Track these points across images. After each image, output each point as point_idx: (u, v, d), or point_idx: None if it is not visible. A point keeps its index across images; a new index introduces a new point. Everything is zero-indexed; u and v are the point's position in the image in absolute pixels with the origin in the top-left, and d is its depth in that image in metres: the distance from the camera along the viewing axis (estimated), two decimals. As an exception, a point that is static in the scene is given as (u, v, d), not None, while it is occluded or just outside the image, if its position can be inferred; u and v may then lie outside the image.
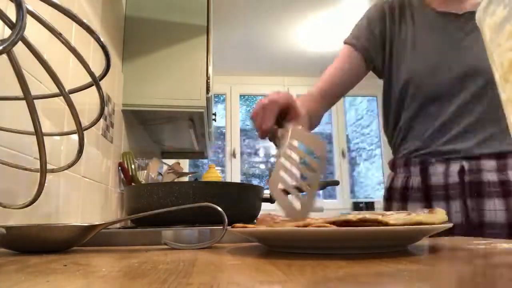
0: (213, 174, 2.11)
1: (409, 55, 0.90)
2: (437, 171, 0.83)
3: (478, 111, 0.80)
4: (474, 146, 0.80)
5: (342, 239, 0.40)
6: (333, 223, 0.39)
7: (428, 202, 0.84)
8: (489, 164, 0.79)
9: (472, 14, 0.80)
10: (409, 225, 0.40)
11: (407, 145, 0.90)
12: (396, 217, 0.40)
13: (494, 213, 0.77)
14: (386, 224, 0.38)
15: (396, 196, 0.89)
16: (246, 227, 0.46)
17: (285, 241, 0.44)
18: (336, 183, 0.90)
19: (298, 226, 0.42)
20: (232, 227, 0.48)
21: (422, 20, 0.90)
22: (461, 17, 0.85)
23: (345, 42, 0.97)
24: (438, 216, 0.45)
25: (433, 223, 0.42)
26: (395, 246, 0.44)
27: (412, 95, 0.88)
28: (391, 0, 0.96)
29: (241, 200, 0.82)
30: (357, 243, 0.41)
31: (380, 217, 0.38)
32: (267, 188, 0.87)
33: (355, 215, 0.41)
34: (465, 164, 0.81)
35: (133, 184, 1.41)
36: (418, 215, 0.43)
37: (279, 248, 0.47)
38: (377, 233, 0.38)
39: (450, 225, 0.46)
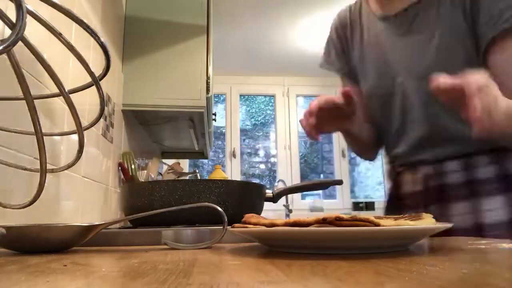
0: (219, 174, 2.12)
1: (359, 71, 0.90)
2: (406, 180, 0.84)
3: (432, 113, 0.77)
4: (440, 150, 0.78)
5: (343, 239, 0.40)
6: (324, 219, 0.39)
7: (400, 211, 0.83)
8: (453, 165, 0.77)
9: (406, 11, 0.79)
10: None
11: (387, 156, 0.92)
12: (384, 222, 0.40)
13: (462, 218, 0.74)
14: (378, 224, 0.38)
15: (390, 205, 0.90)
16: (246, 226, 0.46)
17: (285, 241, 0.44)
18: (340, 182, 0.89)
19: (288, 224, 0.42)
20: (232, 227, 0.48)
21: (367, 32, 0.89)
22: (395, 17, 0.82)
23: (320, 66, 0.98)
24: (426, 221, 0.45)
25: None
26: (394, 246, 0.44)
27: (374, 109, 0.89)
28: (343, 16, 0.94)
29: (243, 199, 0.82)
30: (358, 243, 0.41)
31: (371, 217, 0.39)
32: (269, 188, 0.88)
33: (346, 214, 0.42)
34: (430, 170, 0.79)
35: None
36: (405, 221, 0.43)
37: (279, 248, 0.47)
38: (378, 233, 0.38)
39: (450, 225, 0.46)
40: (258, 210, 0.86)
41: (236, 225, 0.48)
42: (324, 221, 0.39)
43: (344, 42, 0.93)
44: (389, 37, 0.83)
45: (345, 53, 0.94)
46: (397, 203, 0.86)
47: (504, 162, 0.73)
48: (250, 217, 0.50)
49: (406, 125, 0.83)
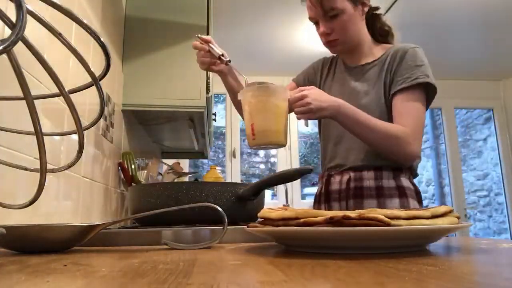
0: (214, 175, 2.11)
1: None
2: (335, 180, 1.17)
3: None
4: (359, 163, 1.11)
5: (360, 239, 0.40)
6: (332, 218, 0.39)
7: (329, 202, 1.16)
8: (368, 174, 1.09)
9: (362, 66, 1.16)
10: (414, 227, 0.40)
11: (323, 163, 1.25)
12: (395, 221, 0.40)
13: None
14: (389, 224, 0.38)
15: (322, 199, 1.19)
16: (258, 225, 0.47)
17: (303, 241, 0.44)
18: (309, 170, 0.84)
19: (298, 224, 0.42)
20: (248, 227, 0.48)
21: (336, 74, 1.24)
22: (355, 69, 1.18)
23: (292, 80, 1.35)
24: (448, 219, 0.44)
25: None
26: (411, 247, 0.44)
27: (325, 125, 1.24)
28: (329, 58, 1.31)
29: (242, 200, 0.82)
30: (375, 243, 0.41)
31: (380, 216, 0.38)
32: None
33: (353, 212, 0.42)
34: (352, 175, 1.11)
35: (133, 184, 1.41)
36: (420, 220, 0.42)
37: (294, 247, 0.47)
38: (395, 233, 0.38)
39: (469, 224, 0.47)
40: (233, 210, 0.81)
41: (252, 224, 0.49)
42: (331, 220, 0.39)
43: (318, 73, 1.30)
44: (347, 80, 1.19)
45: (309, 78, 1.31)
46: (325, 197, 1.18)
47: (399, 177, 1.08)
48: (268, 212, 0.49)
49: (341, 142, 1.16)
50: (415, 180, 1.16)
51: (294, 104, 0.95)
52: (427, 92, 1.06)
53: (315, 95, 0.96)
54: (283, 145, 0.91)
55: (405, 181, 1.09)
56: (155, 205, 0.78)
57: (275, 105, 0.88)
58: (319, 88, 1.20)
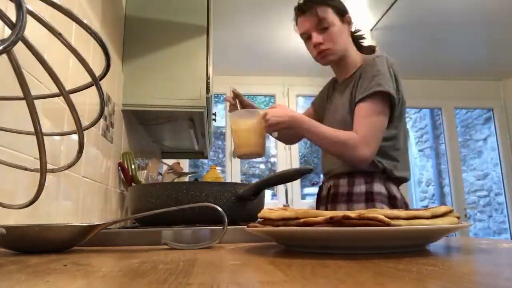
0: (214, 174, 2.10)
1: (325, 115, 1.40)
2: (324, 187, 1.33)
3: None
4: (336, 171, 1.25)
5: (361, 239, 0.40)
6: (332, 218, 0.39)
7: (319, 208, 1.32)
8: (343, 181, 1.22)
9: (344, 81, 1.29)
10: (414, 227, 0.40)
11: (322, 170, 1.39)
12: (395, 221, 0.40)
13: None
14: (389, 224, 0.38)
15: (316, 204, 1.36)
16: (258, 225, 0.47)
17: (303, 241, 0.44)
18: (309, 170, 0.86)
19: (298, 224, 0.42)
20: (248, 227, 0.48)
21: (333, 93, 1.38)
22: (341, 83, 1.32)
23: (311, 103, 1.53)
24: (448, 219, 0.44)
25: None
26: (411, 246, 0.44)
27: None
28: (327, 85, 1.46)
29: (241, 200, 0.82)
30: (376, 243, 0.41)
31: (380, 216, 0.38)
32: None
33: (353, 212, 0.42)
34: (332, 182, 1.26)
35: (133, 184, 1.41)
36: (420, 220, 0.42)
37: (294, 247, 0.47)
38: (396, 233, 0.38)
39: (469, 224, 0.47)
40: (232, 210, 0.81)
41: (252, 224, 0.49)
42: (331, 220, 0.39)
43: (325, 93, 1.44)
44: (334, 97, 1.35)
45: (321, 100, 1.45)
46: (317, 203, 1.35)
47: (372, 183, 1.18)
48: (268, 212, 0.49)
49: (327, 153, 1.29)
50: (410, 184, 1.28)
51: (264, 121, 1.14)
52: (389, 99, 1.14)
53: (274, 112, 1.14)
54: (258, 155, 1.17)
55: (377, 186, 1.18)
56: (155, 205, 0.78)
57: (245, 125, 1.14)
58: (327, 109, 1.38)
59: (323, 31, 1.23)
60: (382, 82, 1.13)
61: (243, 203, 0.82)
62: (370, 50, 1.33)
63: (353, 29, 1.31)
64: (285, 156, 3.94)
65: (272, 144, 4.13)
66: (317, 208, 1.33)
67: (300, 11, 1.30)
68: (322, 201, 1.31)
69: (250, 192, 0.81)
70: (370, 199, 1.16)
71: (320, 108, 1.43)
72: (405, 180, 1.23)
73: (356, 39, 1.33)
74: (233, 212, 0.74)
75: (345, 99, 1.24)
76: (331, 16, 1.23)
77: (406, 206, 1.21)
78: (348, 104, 1.21)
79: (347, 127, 1.16)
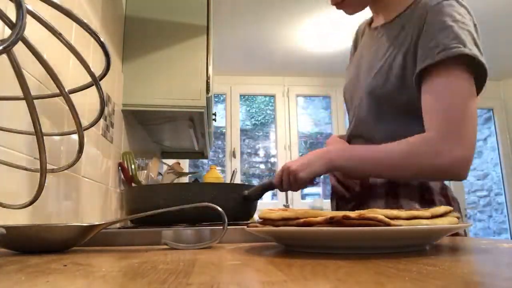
0: (214, 175, 2.11)
1: (346, 74, 1.03)
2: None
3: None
4: None
5: (360, 239, 0.40)
6: (332, 218, 0.39)
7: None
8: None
9: (381, 27, 0.90)
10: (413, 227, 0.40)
11: None
12: (395, 221, 0.40)
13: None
14: (389, 224, 0.38)
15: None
16: (258, 225, 0.47)
17: (303, 241, 0.44)
18: None
19: (299, 224, 0.42)
20: (248, 227, 0.48)
21: (362, 41, 1.01)
22: (374, 31, 0.93)
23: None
24: (448, 219, 0.44)
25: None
26: (410, 246, 0.44)
27: (348, 110, 1.01)
28: (359, 27, 1.08)
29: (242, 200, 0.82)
30: (375, 242, 0.41)
31: (380, 216, 0.38)
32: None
33: (353, 212, 0.42)
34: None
35: (133, 184, 1.41)
36: (420, 220, 0.42)
37: (294, 247, 0.47)
38: (396, 233, 0.38)
39: (469, 224, 0.47)
40: (237, 210, 0.82)
41: (251, 224, 0.49)
42: (331, 220, 0.39)
43: (353, 49, 1.07)
44: (365, 48, 0.95)
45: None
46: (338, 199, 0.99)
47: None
48: (268, 212, 0.49)
49: (355, 130, 0.93)
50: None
51: (279, 183, 0.85)
52: (472, 65, 0.73)
53: (293, 162, 0.84)
54: None
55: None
56: (156, 205, 0.78)
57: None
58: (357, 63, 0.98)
59: None
60: (465, 39, 0.72)
61: (244, 203, 0.82)
62: None
63: None
64: (285, 156, 3.94)
65: (272, 144, 4.13)
66: (338, 206, 0.99)
67: None
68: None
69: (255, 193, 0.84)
70: (424, 195, 0.82)
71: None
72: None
73: None
74: (233, 212, 0.74)
75: (383, 57, 0.84)
76: None
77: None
78: (397, 62, 0.80)
79: (387, 105, 0.81)
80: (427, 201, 0.81)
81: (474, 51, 0.71)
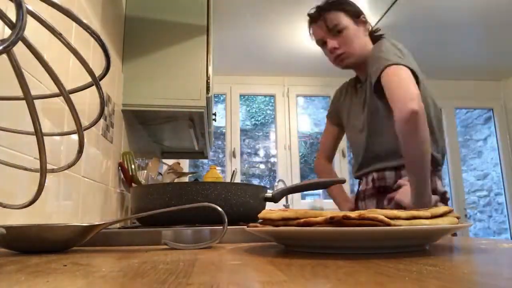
0: (214, 175, 2.10)
1: (345, 121, 1.40)
2: (364, 181, 1.32)
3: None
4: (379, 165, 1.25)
5: (361, 239, 0.40)
6: (332, 218, 0.39)
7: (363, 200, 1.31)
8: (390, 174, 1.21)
9: (363, 84, 1.26)
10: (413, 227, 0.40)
11: (355, 168, 1.40)
12: (395, 221, 0.40)
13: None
14: (389, 224, 0.38)
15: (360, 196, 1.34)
16: (258, 225, 0.47)
17: (303, 241, 0.44)
18: (342, 181, 0.96)
19: (299, 224, 0.42)
20: (248, 227, 0.48)
21: (350, 91, 1.38)
22: (359, 87, 1.31)
23: (326, 116, 1.51)
24: (448, 219, 0.44)
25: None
26: (410, 246, 0.44)
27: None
28: (343, 84, 1.45)
29: (243, 201, 0.82)
30: (375, 243, 0.41)
31: (380, 216, 0.38)
32: (269, 188, 0.89)
33: (353, 212, 0.42)
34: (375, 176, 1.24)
35: (133, 184, 1.41)
36: (420, 220, 0.42)
37: (293, 247, 0.47)
38: (396, 233, 0.38)
39: (470, 224, 0.47)
40: (259, 210, 0.85)
41: (251, 224, 0.49)
42: (331, 220, 0.39)
43: (336, 102, 1.45)
44: (352, 101, 1.35)
45: (335, 107, 1.46)
46: (358, 196, 1.33)
47: (400, 176, 1.17)
48: (268, 212, 0.49)
49: (365, 154, 1.28)
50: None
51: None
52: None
53: (401, 194, 1.10)
54: None
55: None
56: (157, 205, 0.78)
57: None
58: (345, 114, 1.37)
59: (337, 35, 1.22)
60: (389, 57, 1.09)
61: (242, 204, 0.82)
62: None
63: (370, 28, 1.28)
64: (285, 156, 3.94)
65: (272, 144, 4.13)
66: (356, 204, 1.32)
67: (312, 19, 1.28)
68: (360, 195, 1.30)
69: (280, 195, 0.89)
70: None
71: (336, 117, 1.43)
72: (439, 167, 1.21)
73: (376, 38, 1.28)
74: (233, 212, 0.74)
75: (366, 100, 1.23)
76: (343, 20, 1.21)
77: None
78: (373, 99, 1.18)
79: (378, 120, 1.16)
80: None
81: (397, 60, 1.07)
